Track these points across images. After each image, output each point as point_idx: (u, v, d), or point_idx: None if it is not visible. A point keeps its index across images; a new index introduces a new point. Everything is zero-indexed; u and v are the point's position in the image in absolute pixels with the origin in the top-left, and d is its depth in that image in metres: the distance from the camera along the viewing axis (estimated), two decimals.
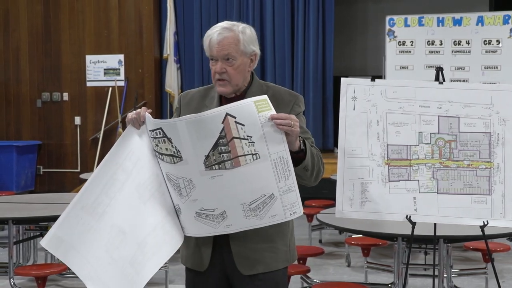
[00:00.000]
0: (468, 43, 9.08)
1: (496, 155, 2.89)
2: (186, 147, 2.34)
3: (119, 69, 10.15)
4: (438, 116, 2.91)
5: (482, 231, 2.95)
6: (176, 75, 10.06)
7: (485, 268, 5.22)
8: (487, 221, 2.90)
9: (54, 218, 4.82)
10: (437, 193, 2.92)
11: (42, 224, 5.66)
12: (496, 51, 9.02)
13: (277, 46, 9.90)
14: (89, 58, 10.21)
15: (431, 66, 9.01)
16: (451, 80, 8.59)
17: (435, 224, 3.09)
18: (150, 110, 2.51)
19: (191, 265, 2.65)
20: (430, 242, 4.37)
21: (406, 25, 9.26)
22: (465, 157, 2.91)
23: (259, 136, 2.30)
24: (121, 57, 10.14)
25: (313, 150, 2.50)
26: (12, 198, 5.92)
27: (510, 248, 5.33)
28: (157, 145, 2.44)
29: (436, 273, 4.09)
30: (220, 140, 2.30)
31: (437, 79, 2.96)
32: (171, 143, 2.36)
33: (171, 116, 10.18)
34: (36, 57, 10.38)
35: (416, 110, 2.91)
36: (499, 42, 9.00)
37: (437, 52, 9.17)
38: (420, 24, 9.22)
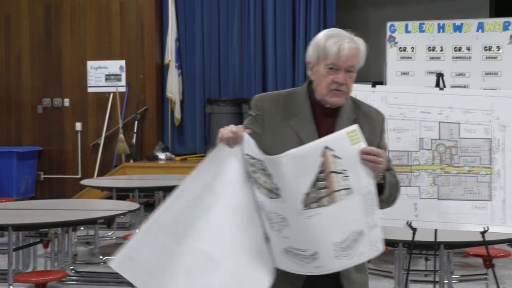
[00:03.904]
0: (468, 49, 9.07)
1: (496, 161, 2.89)
2: (287, 185, 2.21)
3: (120, 74, 10.15)
4: (439, 122, 2.91)
5: (483, 237, 2.94)
6: (177, 81, 10.07)
7: (485, 274, 5.20)
8: (487, 227, 2.90)
9: (54, 225, 4.77)
10: (438, 199, 2.92)
11: (42, 231, 5.64)
12: (496, 57, 9.01)
13: (278, 52, 9.90)
14: (90, 63, 10.22)
15: (431, 72, 8.99)
16: (452, 86, 8.57)
17: (435, 230, 3.09)
18: (249, 131, 2.32)
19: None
20: (431, 248, 4.36)
21: (407, 31, 9.26)
22: (465, 163, 2.91)
23: (353, 169, 2.20)
24: (122, 62, 10.14)
25: (392, 180, 2.38)
26: (12, 204, 5.92)
27: (510, 254, 5.31)
28: (254, 173, 2.29)
29: (437, 279, 4.08)
30: (320, 175, 2.19)
31: (437, 85, 2.97)
32: (271, 179, 2.23)
33: (172, 121, 10.25)
34: (37, 62, 10.39)
35: (417, 116, 2.91)
36: (499, 48, 9.00)
37: (437, 58, 9.17)
38: (421, 30, 9.22)
